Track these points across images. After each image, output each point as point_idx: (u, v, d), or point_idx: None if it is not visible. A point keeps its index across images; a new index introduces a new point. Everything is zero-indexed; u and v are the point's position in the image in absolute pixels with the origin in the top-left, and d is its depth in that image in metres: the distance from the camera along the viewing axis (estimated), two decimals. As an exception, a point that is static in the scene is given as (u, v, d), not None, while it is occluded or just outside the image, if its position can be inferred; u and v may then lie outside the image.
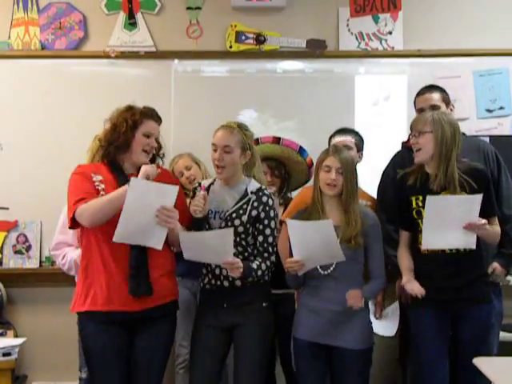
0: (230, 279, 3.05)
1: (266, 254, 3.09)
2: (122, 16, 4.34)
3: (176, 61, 4.34)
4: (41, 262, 4.24)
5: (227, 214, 3.08)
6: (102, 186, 2.92)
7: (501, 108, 4.24)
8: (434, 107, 3.44)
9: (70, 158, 3.17)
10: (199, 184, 3.19)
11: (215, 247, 2.91)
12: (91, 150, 3.20)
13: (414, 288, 3.02)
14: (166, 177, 3.06)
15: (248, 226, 3.08)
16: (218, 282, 3.08)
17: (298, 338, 3.05)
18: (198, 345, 3.12)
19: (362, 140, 3.59)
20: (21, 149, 4.25)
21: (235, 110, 4.29)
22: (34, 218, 4.21)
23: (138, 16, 4.34)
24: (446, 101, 3.53)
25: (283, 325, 3.21)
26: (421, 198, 3.05)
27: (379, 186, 3.64)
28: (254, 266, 3.03)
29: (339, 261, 2.94)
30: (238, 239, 3.04)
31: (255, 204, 3.10)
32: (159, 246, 2.87)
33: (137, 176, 2.88)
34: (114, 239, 2.79)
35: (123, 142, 2.97)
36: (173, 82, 4.32)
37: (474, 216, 2.93)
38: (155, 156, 3.12)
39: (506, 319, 3.72)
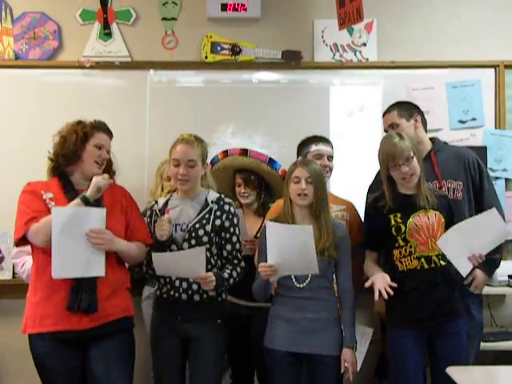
0: (190, 292, 3.06)
1: (235, 261, 3.14)
2: (96, 26, 4.33)
3: (151, 71, 4.34)
4: (14, 273, 4.19)
5: (190, 225, 3.09)
6: (53, 203, 2.89)
7: (473, 119, 4.28)
8: (392, 125, 3.56)
9: (44, 168, 3.13)
10: (156, 202, 3.22)
11: (188, 265, 2.93)
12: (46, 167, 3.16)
13: (383, 282, 3.02)
14: (118, 192, 3.08)
15: (212, 235, 3.10)
16: (176, 294, 3.08)
17: (274, 349, 3.05)
18: (160, 353, 3.12)
19: (333, 148, 3.61)
20: (-3, 159, 4.22)
21: (211, 120, 4.29)
22: (6, 229, 4.14)
23: (114, 26, 4.33)
24: (405, 115, 3.58)
25: (258, 339, 3.19)
26: (399, 215, 3.11)
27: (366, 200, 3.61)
28: (226, 275, 3.06)
29: (313, 273, 2.96)
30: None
31: (218, 213, 3.14)
32: (102, 273, 2.84)
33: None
34: (53, 276, 2.76)
35: (73, 153, 2.95)
36: (148, 92, 4.31)
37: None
38: (108, 171, 3.08)
39: (484, 328, 3.75)
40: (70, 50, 4.33)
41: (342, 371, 3.01)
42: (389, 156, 3.11)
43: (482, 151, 4.11)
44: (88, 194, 2.85)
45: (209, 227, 3.09)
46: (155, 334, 3.18)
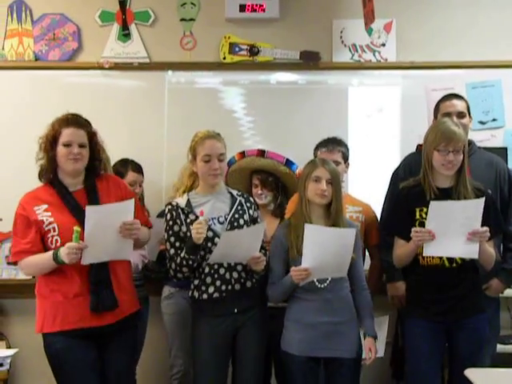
0: (242, 281, 3.07)
1: (263, 251, 3.13)
2: (115, 27, 4.35)
3: (170, 72, 4.35)
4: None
5: (229, 216, 3.10)
6: (48, 213, 2.91)
7: (494, 120, 4.25)
8: (461, 114, 3.48)
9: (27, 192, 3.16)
10: (176, 203, 3.15)
11: (247, 244, 2.97)
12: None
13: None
14: (113, 182, 3.10)
15: (249, 224, 3.13)
16: (229, 287, 3.07)
17: (293, 355, 3.02)
18: (205, 358, 3.08)
19: (348, 150, 3.59)
20: (14, 159, 4.24)
21: (228, 121, 4.30)
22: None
23: (132, 27, 4.35)
24: (469, 111, 3.55)
25: (276, 339, 3.16)
26: (425, 209, 3.02)
27: (389, 185, 3.62)
28: (266, 259, 3.09)
29: (341, 276, 2.98)
30: None
31: (248, 204, 3.19)
32: (128, 257, 2.98)
33: (84, 190, 2.97)
34: (82, 262, 2.82)
35: (49, 159, 2.98)
36: (166, 93, 4.33)
37: (477, 221, 2.91)
38: (94, 162, 3.06)
39: (501, 331, 3.73)
40: (89, 51, 4.36)
41: (367, 358, 3.02)
42: (446, 138, 3.02)
43: (502, 152, 4.06)
44: (62, 258, 2.81)
45: (246, 217, 3.14)
46: (201, 337, 3.11)
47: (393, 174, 3.65)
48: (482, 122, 4.25)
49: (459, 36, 4.31)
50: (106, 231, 2.84)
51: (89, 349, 2.92)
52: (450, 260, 3.05)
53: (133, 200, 2.91)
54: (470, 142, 3.56)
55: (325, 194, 3.02)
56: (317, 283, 3.01)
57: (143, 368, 3.23)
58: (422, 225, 3.02)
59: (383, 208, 3.59)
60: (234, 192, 3.22)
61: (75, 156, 2.95)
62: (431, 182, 3.08)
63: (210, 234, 3.03)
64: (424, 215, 3.04)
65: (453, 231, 2.93)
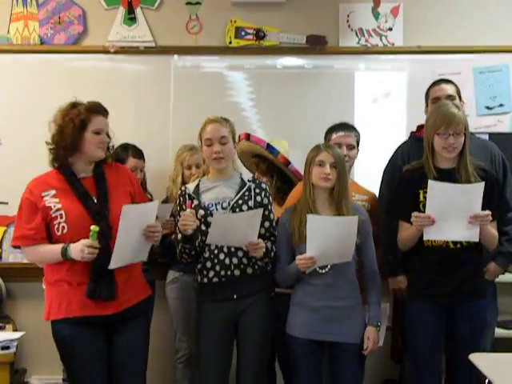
0: (242, 267, 3.08)
1: (272, 238, 3.14)
2: (121, 11, 4.33)
3: (175, 56, 4.33)
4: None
5: (233, 201, 3.09)
6: (56, 200, 2.89)
7: (500, 105, 4.23)
8: (450, 97, 3.48)
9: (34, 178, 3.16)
10: (185, 188, 3.18)
11: (244, 228, 2.96)
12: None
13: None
14: (122, 172, 3.10)
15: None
16: (229, 272, 3.08)
17: (296, 337, 3.06)
18: (208, 343, 3.10)
19: (360, 136, 3.58)
20: (20, 143, 4.25)
21: (234, 105, 4.30)
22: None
23: (138, 11, 4.33)
24: (459, 94, 3.56)
25: (281, 325, 3.18)
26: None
27: (385, 175, 3.63)
28: (269, 247, 3.08)
29: (346, 261, 2.98)
30: None
31: (257, 190, 3.17)
32: (145, 258, 2.97)
33: (93, 178, 2.95)
34: (110, 267, 2.82)
35: (71, 144, 2.91)
36: (172, 77, 4.32)
37: (477, 206, 2.92)
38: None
39: (502, 316, 3.74)
40: (94, 34, 4.35)
41: (365, 348, 3.03)
42: (445, 121, 3.02)
43: (509, 137, 4.06)
44: (73, 256, 2.81)
45: (251, 203, 3.11)
46: (204, 321, 3.14)
47: (388, 162, 3.64)
48: (488, 108, 4.23)
49: (467, 20, 4.28)
50: (134, 232, 2.85)
51: (96, 337, 2.91)
52: (454, 242, 3.05)
53: (156, 202, 2.94)
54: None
55: (329, 178, 3.03)
56: (318, 269, 3.02)
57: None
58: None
59: (380, 197, 3.57)
60: (248, 177, 3.23)
61: (104, 145, 2.97)
62: (431, 164, 3.09)
63: (211, 219, 3.03)
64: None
65: (453, 215, 2.94)
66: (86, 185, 2.94)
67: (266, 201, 3.18)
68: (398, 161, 3.55)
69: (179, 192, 3.20)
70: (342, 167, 3.08)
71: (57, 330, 2.94)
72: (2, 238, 4.26)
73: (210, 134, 3.12)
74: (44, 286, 3.08)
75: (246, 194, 3.14)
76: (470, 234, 2.98)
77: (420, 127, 3.59)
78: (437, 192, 2.93)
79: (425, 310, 3.10)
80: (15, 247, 3.05)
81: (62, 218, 2.86)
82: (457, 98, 3.51)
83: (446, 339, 3.15)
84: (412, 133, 3.70)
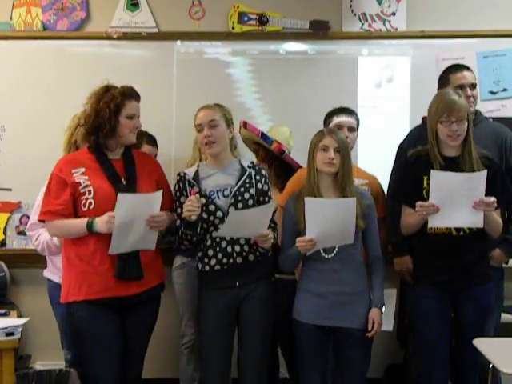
0: (244, 254, 3.09)
1: (272, 225, 3.14)
2: (124, -4, 4.32)
3: (178, 42, 4.33)
4: (44, 242, 4.25)
5: (234, 189, 3.09)
6: (85, 177, 2.94)
7: (504, 90, 4.22)
8: (474, 85, 3.50)
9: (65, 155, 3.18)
10: (184, 173, 3.17)
11: (255, 222, 2.98)
12: (69, 130, 3.30)
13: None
14: (150, 162, 3.17)
15: (256, 198, 3.13)
16: (231, 260, 3.08)
17: (302, 322, 3.06)
18: (210, 330, 3.11)
19: (359, 120, 3.58)
20: (23, 130, 4.26)
21: (237, 91, 4.30)
22: (36, 198, 4.20)
23: (141, -4, 4.33)
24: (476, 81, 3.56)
25: (283, 312, 3.19)
26: None
27: (395, 157, 3.63)
28: (272, 235, 3.09)
29: (347, 243, 2.98)
30: None
31: (257, 177, 3.18)
32: (153, 247, 2.98)
33: (123, 161, 3.01)
34: (110, 252, 2.86)
35: (106, 127, 2.96)
36: (175, 63, 4.31)
37: (481, 193, 2.92)
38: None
39: (506, 301, 3.74)
40: (97, 20, 4.34)
41: (370, 329, 3.03)
42: (446, 108, 3.03)
43: (512, 122, 4.05)
44: (98, 228, 2.87)
45: (253, 190, 3.12)
46: (205, 310, 3.15)
47: (398, 147, 3.65)
48: (492, 92, 4.22)
49: (470, 5, 4.27)
50: (135, 221, 2.86)
51: (112, 320, 2.96)
52: (457, 228, 3.05)
53: (161, 191, 2.93)
54: (476, 112, 3.58)
55: (333, 163, 3.02)
56: (323, 254, 3.03)
57: (154, 337, 3.25)
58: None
59: (390, 181, 3.58)
60: (246, 163, 3.22)
61: (137, 129, 3.04)
62: (436, 152, 3.09)
63: (212, 207, 3.05)
64: None
65: (457, 202, 2.94)
66: (116, 166, 2.99)
67: (266, 187, 3.19)
68: (406, 144, 3.57)
69: (178, 177, 3.18)
70: (346, 152, 3.08)
71: (74, 311, 2.98)
72: (6, 225, 4.25)
73: (199, 120, 3.14)
74: (61, 267, 3.12)
75: (247, 181, 3.14)
76: (474, 220, 2.97)
77: None
78: (439, 181, 2.94)
79: (430, 297, 3.10)
80: (40, 221, 3.06)
81: (90, 194, 2.91)
82: (477, 85, 3.53)
83: (454, 324, 3.16)
84: (424, 118, 3.66)
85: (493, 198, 2.93)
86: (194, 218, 2.98)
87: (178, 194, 3.14)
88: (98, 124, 2.97)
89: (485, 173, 2.93)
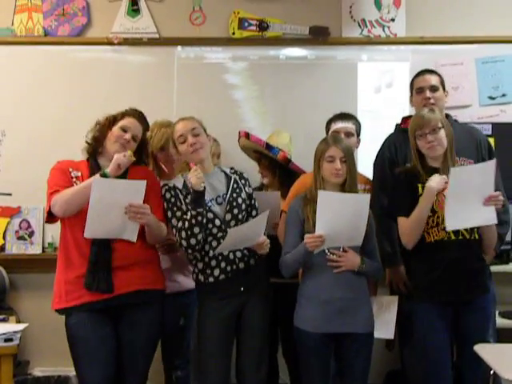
0: (245, 259, 3.08)
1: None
2: (125, 2, 4.34)
3: (179, 47, 4.35)
4: (43, 247, 4.26)
5: (227, 196, 3.09)
6: (78, 182, 2.96)
7: (503, 95, 4.24)
8: (434, 87, 3.51)
9: (72, 144, 3.16)
10: (173, 185, 3.12)
11: (252, 233, 2.97)
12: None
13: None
14: (142, 173, 3.09)
15: (247, 202, 3.15)
16: (234, 267, 3.07)
17: (308, 331, 3.02)
18: (212, 341, 3.08)
19: (360, 125, 3.59)
20: (23, 135, 4.27)
21: (238, 96, 4.31)
22: (36, 203, 4.21)
23: (141, 2, 4.34)
24: (443, 85, 3.57)
25: (285, 316, 3.19)
26: None
27: (376, 167, 3.64)
28: (268, 241, 3.09)
29: (356, 245, 2.98)
30: (241, 216, 3.10)
31: (242, 181, 3.19)
32: (133, 239, 2.92)
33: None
34: (85, 235, 2.85)
35: (100, 134, 3.03)
36: (176, 68, 4.33)
37: (491, 185, 2.96)
38: (140, 153, 3.13)
39: (505, 306, 3.74)
40: (98, 26, 4.36)
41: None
42: (416, 125, 3.12)
43: (511, 127, 4.06)
44: (108, 170, 2.90)
45: (244, 194, 3.14)
46: (208, 320, 3.10)
47: (377, 155, 3.66)
48: (491, 97, 4.24)
49: (469, 10, 4.30)
50: (112, 208, 2.84)
51: (101, 324, 2.95)
52: (456, 233, 3.05)
53: (144, 182, 2.88)
54: (447, 115, 3.59)
55: (340, 173, 3.03)
56: (327, 252, 3.00)
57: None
58: None
59: (375, 193, 3.52)
60: (227, 170, 3.22)
61: (126, 143, 3.01)
62: (421, 169, 3.14)
63: (210, 215, 3.03)
64: None
65: (471, 199, 2.95)
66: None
67: (250, 190, 3.21)
68: (386, 152, 3.59)
69: (166, 187, 3.11)
70: (352, 160, 3.09)
71: (66, 317, 2.99)
72: (6, 229, 4.25)
73: (181, 131, 3.11)
74: None
75: (235, 186, 3.15)
76: (488, 217, 2.99)
77: (405, 118, 3.64)
78: (459, 178, 2.92)
79: (428, 311, 3.08)
80: (49, 216, 3.00)
81: None
82: (440, 88, 3.53)
83: (455, 336, 3.15)
84: (397, 125, 3.71)
85: (498, 192, 2.98)
86: (203, 185, 2.98)
87: (172, 200, 3.08)
88: (94, 133, 3.06)
89: (494, 161, 2.98)
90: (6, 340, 3.33)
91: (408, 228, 3.11)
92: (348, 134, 3.45)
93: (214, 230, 3.04)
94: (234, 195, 3.11)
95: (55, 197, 2.91)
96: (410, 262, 3.24)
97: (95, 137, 3.07)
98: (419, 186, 3.10)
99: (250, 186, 3.22)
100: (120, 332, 3.01)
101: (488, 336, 3.15)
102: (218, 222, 3.05)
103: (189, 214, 2.99)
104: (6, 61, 4.31)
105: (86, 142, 3.09)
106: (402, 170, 3.23)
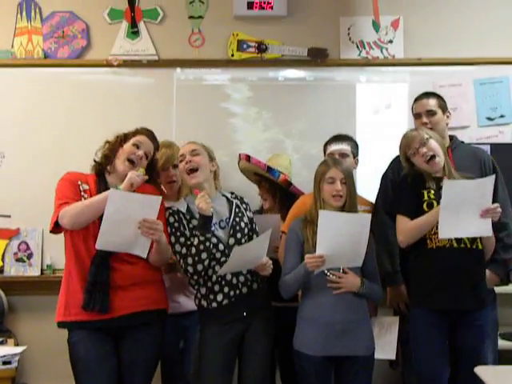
0: (248, 283, 3.08)
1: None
2: (124, 25, 4.36)
3: (178, 69, 4.36)
4: (42, 270, 4.24)
5: (231, 220, 3.09)
6: (86, 195, 2.95)
7: (501, 116, 4.25)
8: (430, 112, 3.53)
9: (72, 166, 3.17)
10: (177, 209, 3.12)
11: (255, 254, 2.96)
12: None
13: None
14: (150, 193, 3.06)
15: (249, 226, 3.15)
16: (237, 292, 3.06)
17: (308, 355, 2.99)
18: (214, 366, 3.05)
19: (357, 146, 3.60)
20: (23, 157, 4.27)
21: (237, 117, 4.32)
22: (35, 225, 4.21)
23: (141, 25, 4.36)
24: (443, 107, 3.58)
25: (284, 339, 3.17)
26: (432, 191, 3.12)
27: (379, 188, 3.67)
28: (271, 262, 3.08)
29: (355, 265, 2.98)
30: (244, 240, 3.09)
31: (244, 206, 3.21)
32: (144, 255, 2.90)
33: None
34: (97, 247, 2.83)
35: (110, 151, 3.04)
36: (175, 90, 4.34)
37: (489, 199, 2.97)
38: (151, 172, 3.13)
39: (507, 328, 3.72)
40: (98, 48, 4.37)
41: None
42: (404, 145, 3.18)
43: (510, 148, 4.07)
44: (122, 187, 2.90)
45: (246, 219, 3.15)
46: (212, 347, 3.06)
47: (382, 177, 3.69)
48: (489, 118, 4.25)
49: (467, 32, 4.32)
50: (125, 221, 2.81)
51: (102, 342, 2.93)
52: (458, 241, 3.06)
53: (160, 198, 2.88)
54: (452, 137, 3.63)
55: (340, 195, 3.04)
56: (326, 273, 3.00)
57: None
58: (431, 206, 3.08)
59: (377, 212, 3.54)
60: (228, 195, 3.23)
61: (137, 159, 3.02)
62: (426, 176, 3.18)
63: (214, 240, 3.02)
64: (432, 196, 3.12)
65: (466, 210, 2.96)
66: None
67: (251, 215, 3.22)
68: (390, 174, 3.63)
69: (170, 211, 3.10)
70: (352, 182, 3.10)
71: (68, 335, 2.97)
72: (4, 251, 4.23)
73: (182, 151, 3.17)
74: None
75: (237, 210, 3.15)
76: (482, 229, 3.00)
77: None
78: (452, 190, 2.95)
79: (428, 323, 3.08)
80: (55, 228, 2.97)
81: None
82: (438, 112, 3.54)
83: (450, 351, 3.14)
84: None
85: (496, 204, 2.99)
86: (212, 210, 2.98)
87: (176, 224, 3.06)
88: (104, 151, 3.07)
89: (493, 178, 2.99)
90: (5, 363, 3.33)
91: (408, 230, 3.14)
92: (343, 155, 3.45)
93: (218, 255, 3.03)
94: (237, 219, 3.11)
95: (64, 209, 2.87)
96: (409, 267, 3.24)
97: (105, 155, 3.06)
98: (424, 192, 3.13)
99: (250, 211, 3.23)
100: (121, 350, 2.98)
101: (483, 353, 3.13)
102: (221, 246, 3.04)
103: (196, 239, 2.98)
104: (6, 83, 4.31)
105: (95, 160, 3.09)
106: (410, 173, 3.24)
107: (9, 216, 4.26)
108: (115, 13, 4.37)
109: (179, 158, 3.17)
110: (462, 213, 2.95)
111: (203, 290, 3.08)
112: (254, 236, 3.16)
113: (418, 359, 3.15)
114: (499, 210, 2.99)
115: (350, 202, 3.06)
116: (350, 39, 4.34)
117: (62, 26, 4.35)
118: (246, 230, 3.12)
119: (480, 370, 2.79)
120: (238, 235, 3.08)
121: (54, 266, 4.19)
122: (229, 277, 3.04)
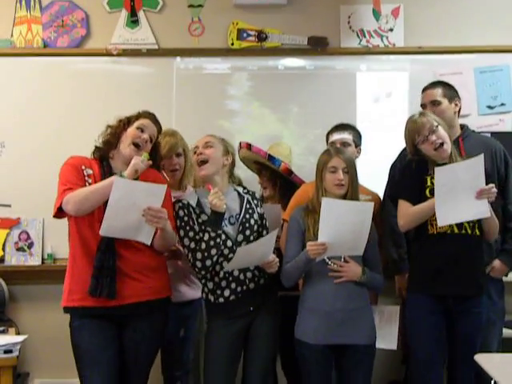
0: (256, 279, 3.07)
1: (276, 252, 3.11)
2: (124, 14, 4.35)
3: (178, 58, 4.36)
4: (43, 259, 4.24)
5: (241, 216, 3.08)
6: (90, 180, 2.92)
7: (502, 104, 4.25)
8: (434, 102, 3.52)
9: (72, 154, 3.16)
10: (187, 202, 3.09)
11: (261, 251, 2.95)
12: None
13: None
14: (155, 179, 3.05)
15: (259, 222, 3.13)
16: (244, 287, 3.05)
17: (310, 343, 3.00)
18: (219, 360, 3.05)
19: (360, 135, 3.60)
20: (23, 146, 4.26)
21: (237, 106, 4.32)
22: (36, 215, 4.22)
23: (140, 14, 4.35)
24: (449, 96, 3.55)
25: (285, 328, 3.16)
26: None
27: (388, 177, 3.67)
28: (277, 260, 3.06)
29: (357, 254, 2.98)
30: (253, 238, 3.08)
31: (255, 202, 3.17)
32: (148, 242, 2.88)
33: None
34: (101, 233, 2.81)
35: (113, 136, 3.00)
36: (175, 79, 4.33)
37: (481, 179, 2.96)
38: (155, 156, 3.09)
39: (508, 316, 3.72)
40: (97, 37, 4.36)
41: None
42: (413, 131, 3.14)
43: (510, 137, 4.06)
44: (126, 173, 2.87)
45: (256, 215, 3.12)
46: (218, 341, 3.06)
47: (391, 167, 3.71)
48: (490, 107, 4.25)
49: (467, 20, 4.31)
50: (130, 209, 2.79)
51: (104, 328, 2.91)
52: (459, 226, 3.06)
53: (165, 186, 2.86)
54: (463, 126, 3.62)
55: (342, 184, 3.04)
56: (327, 261, 3.00)
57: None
58: (433, 192, 3.05)
59: (384, 201, 3.59)
60: (240, 189, 3.21)
61: (142, 142, 2.98)
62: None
63: (223, 236, 3.00)
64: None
65: (461, 194, 2.96)
66: None
67: (262, 211, 3.19)
68: (398, 164, 3.63)
69: (180, 204, 3.08)
70: (354, 171, 3.09)
71: (70, 321, 2.96)
72: (5, 241, 4.24)
73: (197, 143, 3.15)
74: None
75: (248, 206, 3.13)
76: (480, 211, 2.99)
77: None
78: (443, 176, 2.96)
79: (426, 309, 3.09)
80: (58, 212, 2.93)
81: None
82: (443, 101, 3.53)
83: (447, 339, 3.15)
84: None
85: (491, 184, 2.97)
86: (225, 207, 2.96)
87: (185, 218, 3.05)
88: (106, 136, 3.03)
89: (482, 156, 2.96)
90: (6, 352, 3.34)
91: (409, 215, 3.15)
92: (344, 145, 3.45)
93: (226, 251, 3.02)
94: (247, 216, 3.09)
95: (68, 195, 2.84)
96: (411, 253, 3.25)
97: (108, 140, 3.03)
98: (427, 178, 3.13)
99: (261, 207, 3.20)
100: (124, 337, 2.97)
101: (479, 341, 3.13)
102: (229, 242, 3.03)
103: (206, 235, 2.96)
104: (6, 72, 4.31)
105: (96, 146, 3.06)
106: (414, 159, 3.23)
107: (9, 205, 4.27)
108: (115, 2, 4.36)
109: (194, 149, 3.15)
110: (457, 197, 2.95)
111: (210, 285, 3.08)
112: (264, 232, 3.14)
113: (415, 345, 3.16)
114: (494, 190, 2.97)
115: (351, 191, 3.06)
116: (350, 28, 4.33)
117: (62, 15, 4.34)
118: (256, 227, 3.10)
119: (480, 358, 2.80)
120: (247, 232, 3.07)
121: (54, 255, 4.20)
122: (236, 273, 3.03)
